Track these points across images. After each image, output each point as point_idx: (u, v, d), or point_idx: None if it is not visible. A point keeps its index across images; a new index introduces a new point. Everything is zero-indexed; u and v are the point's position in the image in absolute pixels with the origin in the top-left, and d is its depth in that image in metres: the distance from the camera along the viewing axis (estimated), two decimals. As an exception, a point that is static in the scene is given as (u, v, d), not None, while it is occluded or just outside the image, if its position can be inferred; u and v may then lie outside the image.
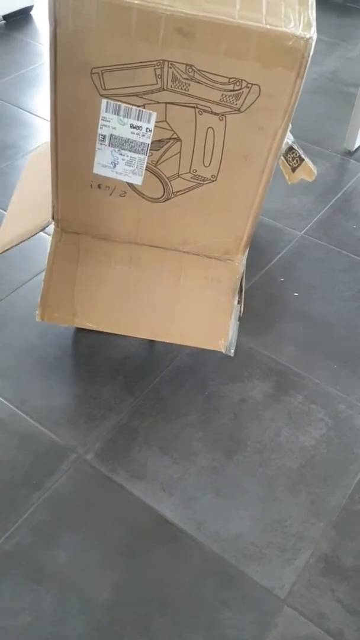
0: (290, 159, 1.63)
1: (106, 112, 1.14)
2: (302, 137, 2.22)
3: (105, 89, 1.11)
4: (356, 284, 1.67)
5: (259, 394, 1.38)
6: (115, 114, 1.13)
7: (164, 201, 1.25)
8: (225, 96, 1.10)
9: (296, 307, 1.60)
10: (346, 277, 1.69)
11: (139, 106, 1.12)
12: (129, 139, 1.16)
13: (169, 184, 1.23)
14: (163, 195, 1.24)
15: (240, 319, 1.54)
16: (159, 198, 1.25)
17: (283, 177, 2.03)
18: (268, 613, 1.06)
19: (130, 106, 1.12)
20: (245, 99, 1.10)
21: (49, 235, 1.75)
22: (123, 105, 1.12)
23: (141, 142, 1.16)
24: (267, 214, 1.88)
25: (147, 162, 1.19)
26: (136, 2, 1.01)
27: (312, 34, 1.03)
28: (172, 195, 1.24)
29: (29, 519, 1.15)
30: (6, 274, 1.64)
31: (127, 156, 1.18)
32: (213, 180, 1.21)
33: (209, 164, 1.19)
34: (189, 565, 1.11)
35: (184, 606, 1.07)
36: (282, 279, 1.67)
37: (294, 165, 1.63)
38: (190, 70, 1.07)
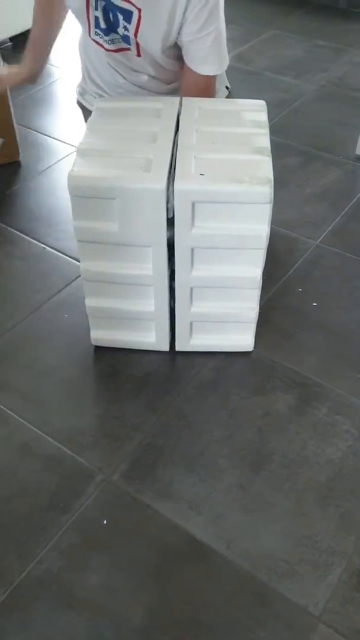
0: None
1: None
2: (313, 145, 2.22)
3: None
4: (375, 291, 1.65)
5: (282, 407, 1.37)
6: None
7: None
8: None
9: (315, 317, 1.59)
10: (364, 284, 1.68)
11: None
12: None
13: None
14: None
15: (260, 331, 1.53)
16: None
17: (296, 187, 2.03)
18: (303, 631, 1.04)
19: None
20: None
21: (65, 256, 1.76)
22: None
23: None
24: (282, 224, 1.87)
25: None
26: None
27: None
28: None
29: (58, 543, 1.15)
30: (24, 296, 1.65)
31: None
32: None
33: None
34: (220, 585, 1.10)
35: (217, 626, 1.05)
36: (300, 289, 1.66)
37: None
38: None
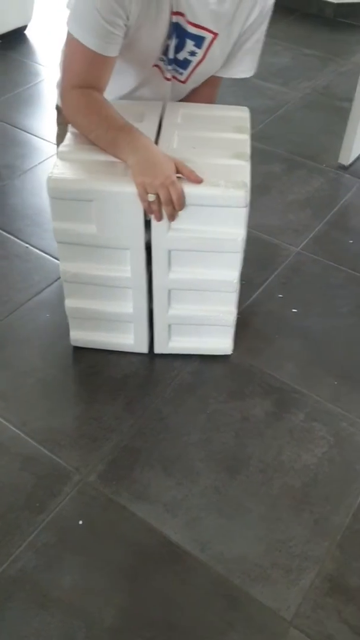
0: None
1: None
2: (297, 152, 2.24)
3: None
4: (354, 299, 1.68)
5: (260, 412, 1.39)
6: None
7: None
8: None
9: (295, 323, 1.61)
10: (344, 292, 1.70)
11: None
12: None
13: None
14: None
15: (240, 336, 1.55)
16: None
17: (279, 194, 2.05)
18: (275, 635, 1.06)
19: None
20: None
21: (49, 255, 1.75)
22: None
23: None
24: (264, 230, 1.89)
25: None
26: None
27: None
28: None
29: (33, 543, 1.15)
30: (5, 295, 1.65)
31: None
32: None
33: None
34: (194, 587, 1.11)
35: (190, 629, 1.06)
36: (280, 295, 1.68)
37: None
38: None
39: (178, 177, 1.15)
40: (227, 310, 1.38)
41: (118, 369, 1.46)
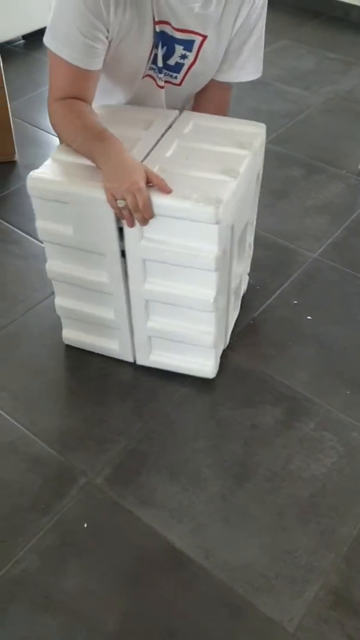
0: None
1: None
2: (317, 157, 2.22)
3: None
4: (370, 308, 1.66)
5: (270, 420, 1.37)
6: None
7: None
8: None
9: (309, 330, 1.59)
10: (360, 300, 1.68)
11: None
12: None
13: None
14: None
15: (252, 342, 1.54)
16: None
17: (297, 199, 2.04)
18: (276, 647, 1.05)
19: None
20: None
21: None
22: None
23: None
24: (281, 235, 1.87)
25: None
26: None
27: None
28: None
29: (37, 544, 1.15)
30: (22, 294, 1.66)
31: None
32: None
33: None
34: (197, 595, 1.10)
35: (191, 637, 1.05)
36: (295, 302, 1.66)
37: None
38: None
39: (150, 186, 1.13)
40: (205, 330, 1.32)
41: (128, 372, 1.46)
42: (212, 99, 1.40)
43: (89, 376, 1.46)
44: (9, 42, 2.53)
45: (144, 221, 1.14)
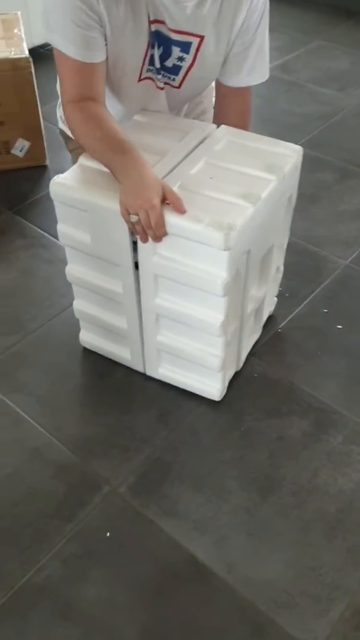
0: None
1: None
2: (350, 161, 2.18)
3: None
4: None
5: (297, 432, 1.35)
6: None
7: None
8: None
9: (339, 340, 1.56)
10: (392, 309, 1.64)
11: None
12: None
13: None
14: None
15: (280, 351, 1.52)
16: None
17: (329, 204, 2.00)
18: (298, 666, 1.03)
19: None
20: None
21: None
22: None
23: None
24: (311, 241, 1.84)
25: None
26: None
27: None
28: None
29: (61, 552, 1.15)
30: (48, 299, 1.66)
31: None
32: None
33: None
34: (218, 610, 1.09)
35: (212, 652, 1.04)
36: (325, 310, 1.63)
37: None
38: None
39: (166, 204, 1.11)
40: (212, 352, 1.28)
41: (154, 380, 1.45)
42: (231, 107, 1.38)
43: (114, 383, 1.45)
44: (41, 47, 2.55)
45: (157, 238, 1.13)
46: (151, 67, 1.24)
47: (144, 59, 1.21)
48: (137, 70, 1.23)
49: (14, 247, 1.84)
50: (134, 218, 1.10)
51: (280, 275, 1.53)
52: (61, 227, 1.28)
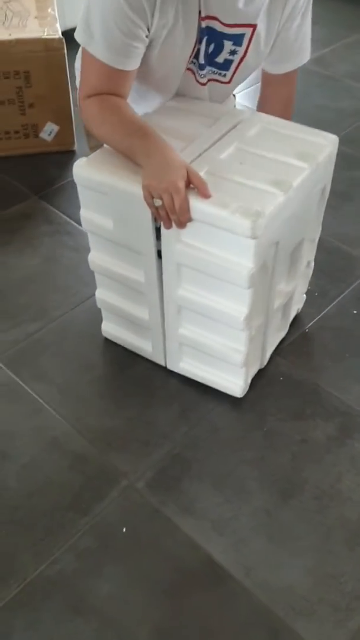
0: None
1: None
2: (386, 160, 2.12)
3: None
4: None
5: (321, 435, 1.31)
6: None
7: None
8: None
9: (367, 342, 1.51)
10: None
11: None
12: None
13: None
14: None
15: (306, 352, 1.48)
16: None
17: (362, 203, 1.95)
18: None
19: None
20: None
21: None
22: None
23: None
24: (343, 239, 1.79)
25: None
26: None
27: None
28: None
29: (75, 545, 1.13)
30: (73, 287, 1.64)
31: None
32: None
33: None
34: (234, 614, 1.06)
35: (226, 657, 1.02)
36: (355, 312, 1.59)
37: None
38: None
39: (190, 188, 1.07)
40: (235, 347, 1.24)
41: (176, 374, 1.42)
42: (276, 95, 1.34)
43: (137, 376, 1.43)
44: (74, 29, 2.53)
45: (181, 224, 1.09)
46: (194, 61, 1.19)
47: (191, 55, 1.17)
48: (181, 69, 1.19)
49: (39, 233, 1.82)
50: (157, 202, 1.06)
51: (311, 271, 1.49)
52: (84, 212, 1.26)
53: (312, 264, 1.47)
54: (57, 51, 1.91)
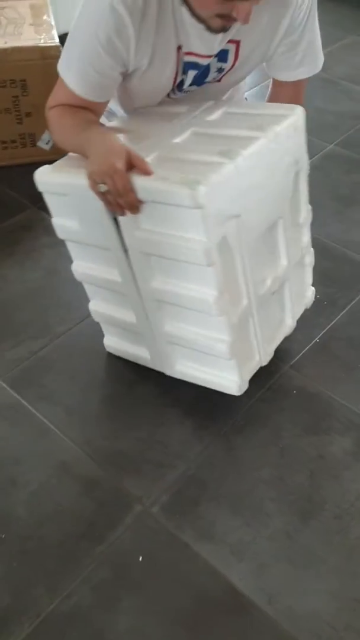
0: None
1: None
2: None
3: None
4: None
5: (338, 451, 1.27)
6: None
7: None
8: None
9: (380, 352, 1.48)
10: None
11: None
12: None
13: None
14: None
15: (319, 363, 1.44)
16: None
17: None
18: None
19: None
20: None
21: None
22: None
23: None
24: (349, 245, 1.76)
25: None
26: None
27: None
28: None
29: (90, 577, 1.08)
30: (76, 300, 1.58)
31: None
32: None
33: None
34: (258, 644, 1.02)
35: None
36: (365, 320, 1.55)
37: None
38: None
39: (133, 170, 1.04)
40: (217, 337, 1.17)
41: (187, 390, 1.38)
42: (281, 95, 1.30)
43: (146, 393, 1.38)
44: (67, 34, 2.50)
45: (132, 207, 1.06)
46: (176, 91, 1.19)
47: (173, 85, 1.17)
48: (164, 93, 1.19)
49: (40, 245, 1.77)
50: (102, 187, 1.04)
51: (312, 260, 1.39)
52: (56, 220, 1.25)
53: (312, 252, 1.38)
54: (53, 59, 1.84)
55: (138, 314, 1.28)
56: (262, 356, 1.32)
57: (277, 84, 1.29)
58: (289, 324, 1.40)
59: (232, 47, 1.13)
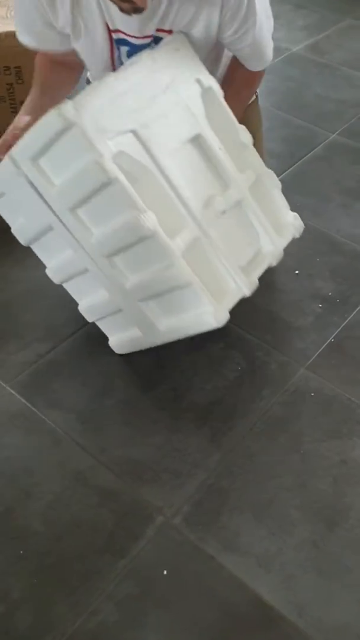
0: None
1: None
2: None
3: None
4: None
5: (360, 455, 1.25)
6: None
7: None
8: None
9: None
10: None
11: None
12: None
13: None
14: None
15: (335, 364, 1.41)
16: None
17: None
18: None
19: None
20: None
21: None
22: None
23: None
24: (357, 240, 1.72)
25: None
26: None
27: None
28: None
29: (114, 593, 1.05)
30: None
31: None
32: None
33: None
34: (290, 658, 1.00)
35: None
36: (378, 317, 1.52)
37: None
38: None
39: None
40: (167, 264, 1.11)
41: (202, 394, 1.34)
42: (237, 73, 1.30)
43: (160, 398, 1.34)
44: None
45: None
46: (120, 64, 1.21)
47: (112, 57, 1.20)
48: (105, 63, 1.22)
49: (40, 242, 1.71)
50: None
51: (276, 183, 1.30)
52: (12, 227, 1.28)
53: (274, 179, 1.30)
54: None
55: (105, 285, 1.25)
56: (240, 283, 1.20)
57: (233, 64, 1.30)
58: (269, 250, 1.28)
59: (165, 36, 1.15)
